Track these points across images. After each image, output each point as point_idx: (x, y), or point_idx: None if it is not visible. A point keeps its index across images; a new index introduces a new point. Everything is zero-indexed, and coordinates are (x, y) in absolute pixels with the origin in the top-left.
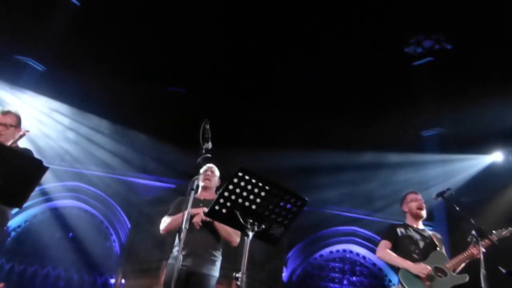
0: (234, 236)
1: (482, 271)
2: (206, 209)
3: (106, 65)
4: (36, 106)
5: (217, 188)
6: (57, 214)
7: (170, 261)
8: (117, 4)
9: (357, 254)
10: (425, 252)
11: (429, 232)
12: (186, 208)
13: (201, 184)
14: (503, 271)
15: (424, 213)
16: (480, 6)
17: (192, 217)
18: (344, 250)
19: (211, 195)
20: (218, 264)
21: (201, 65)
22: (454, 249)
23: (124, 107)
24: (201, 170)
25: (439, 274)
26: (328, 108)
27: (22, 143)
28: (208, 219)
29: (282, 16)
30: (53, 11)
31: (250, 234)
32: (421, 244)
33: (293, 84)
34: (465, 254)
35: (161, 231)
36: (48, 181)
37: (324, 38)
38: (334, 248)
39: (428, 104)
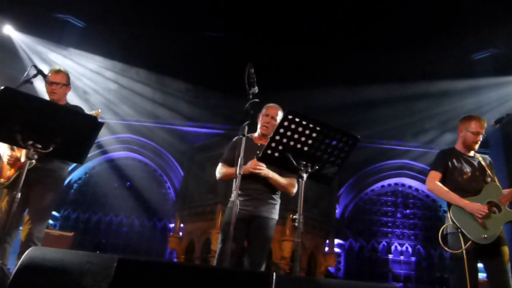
0: (290, 188)
1: None
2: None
3: (143, 16)
4: (80, 62)
5: None
6: (113, 165)
7: (229, 205)
8: None
9: (410, 187)
10: (477, 184)
11: (479, 158)
12: (239, 155)
13: (258, 128)
14: None
15: (477, 147)
16: None
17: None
18: (396, 184)
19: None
20: (277, 207)
21: (235, 7)
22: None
23: (166, 56)
24: (263, 110)
25: (494, 209)
26: (372, 39)
27: (72, 100)
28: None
29: None
30: None
31: (304, 175)
32: (472, 175)
33: (334, 19)
34: None
35: (217, 178)
36: (102, 135)
37: None
38: (385, 182)
39: (478, 25)
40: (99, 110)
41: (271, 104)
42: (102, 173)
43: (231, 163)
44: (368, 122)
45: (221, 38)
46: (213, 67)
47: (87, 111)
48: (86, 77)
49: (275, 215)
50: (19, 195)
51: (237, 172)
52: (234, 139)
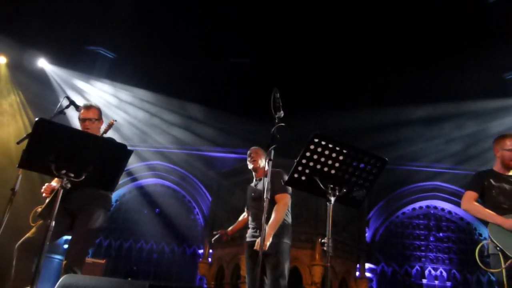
0: (281, 214)
1: None
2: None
3: (169, 44)
4: (111, 92)
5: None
6: (143, 192)
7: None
8: None
9: (442, 209)
10: None
11: None
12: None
13: (249, 166)
14: None
15: None
16: None
17: (255, 198)
18: (428, 206)
19: (261, 174)
20: (285, 230)
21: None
22: None
23: (192, 83)
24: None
25: None
26: (401, 60)
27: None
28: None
29: None
30: None
31: (332, 199)
32: (511, 193)
33: (359, 39)
34: None
35: None
36: (132, 162)
37: None
38: (416, 205)
39: (508, 43)
40: (114, 120)
41: (249, 150)
42: (132, 200)
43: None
44: (398, 144)
45: (246, 64)
46: (239, 92)
47: (117, 139)
48: (116, 107)
49: (285, 238)
50: (53, 223)
51: (264, 196)
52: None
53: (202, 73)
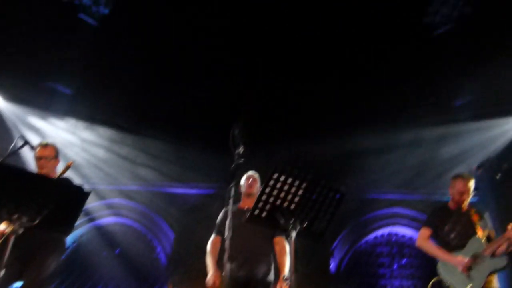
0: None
1: None
2: None
3: (129, 79)
4: (68, 129)
5: None
6: (102, 232)
7: (224, 273)
8: (130, 19)
9: (403, 236)
10: (465, 238)
11: (470, 213)
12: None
13: (243, 191)
14: None
15: (465, 204)
16: None
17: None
18: (390, 233)
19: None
20: (272, 268)
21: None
22: (503, 217)
23: (152, 117)
24: (243, 179)
25: (478, 261)
26: (358, 89)
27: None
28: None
29: None
30: (73, 34)
31: (293, 233)
32: (461, 230)
33: (316, 73)
34: (501, 237)
35: (207, 251)
36: (90, 201)
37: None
38: (379, 232)
39: (456, 73)
40: (72, 161)
41: (249, 172)
42: (91, 241)
43: (223, 234)
44: (358, 172)
45: (208, 96)
46: (201, 127)
47: (75, 178)
48: (74, 145)
49: (271, 276)
50: (2, 272)
51: (225, 237)
52: (223, 211)
53: (161, 107)
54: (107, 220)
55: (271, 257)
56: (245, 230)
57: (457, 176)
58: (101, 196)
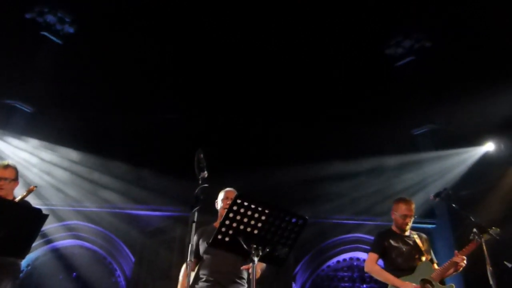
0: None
1: (489, 268)
2: None
3: (92, 99)
4: (27, 149)
5: None
6: (59, 255)
7: None
8: (96, 38)
9: (364, 261)
10: (413, 263)
11: (414, 236)
12: (190, 240)
13: (220, 207)
14: (509, 265)
15: (408, 227)
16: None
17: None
18: (351, 258)
19: None
20: None
21: (188, 92)
22: (459, 244)
23: (114, 139)
24: (220, 195)
25: (427, 286)
26: (318, 118)
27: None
28: None
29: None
30: (36, 52)
31: (255, 259)
32: (408, 255)
33: (279, 103)
34: (449, 263)
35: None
36: (48, 223)
37: (304, 47)
38: (340, 257)
39: (416, 103)
40: (35, 186)
41: (228, 188)
42: (47, 264)
43: (197, 255)
44: (321, 198)
45: (172, 120)
46: (164, 149)
47: (32, 199)
48: (33, 165)
49: None
50: None
51: (188, 259)
52: (198, 231)
53: (124, 129)
54: (65, 242)
55: (245, 280)
56: (220, 251)
57: (399, 200)
58: (59, 218)
